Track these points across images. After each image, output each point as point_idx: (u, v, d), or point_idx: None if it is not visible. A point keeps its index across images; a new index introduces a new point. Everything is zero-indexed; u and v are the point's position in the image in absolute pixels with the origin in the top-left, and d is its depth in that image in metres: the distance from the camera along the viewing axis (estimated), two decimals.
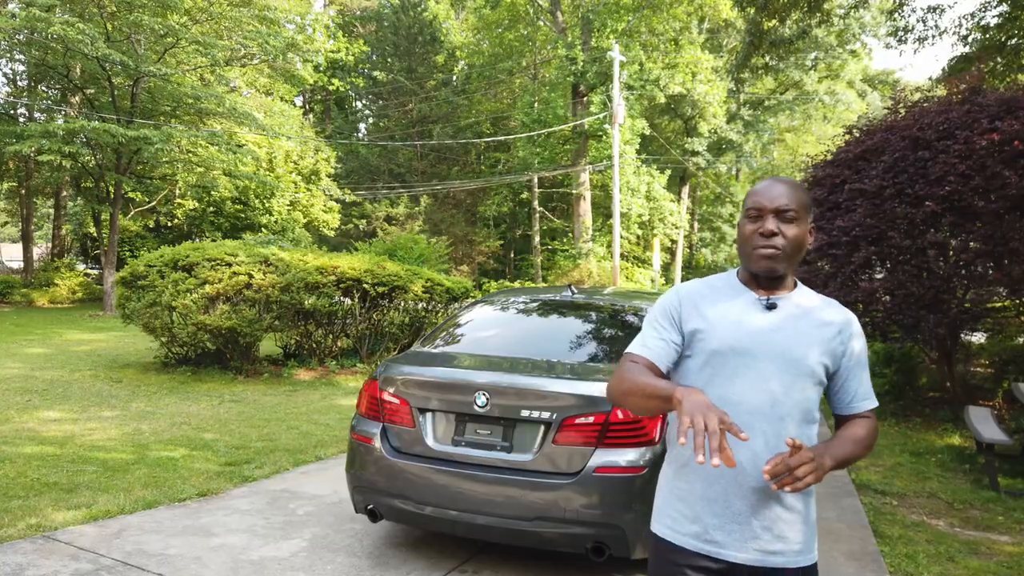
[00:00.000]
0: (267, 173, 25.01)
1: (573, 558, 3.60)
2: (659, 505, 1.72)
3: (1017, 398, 5.87)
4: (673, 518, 1.65)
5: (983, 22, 11.83)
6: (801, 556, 1.59)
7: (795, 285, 1.68)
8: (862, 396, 1.68)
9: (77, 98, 22.50)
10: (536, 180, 29.83)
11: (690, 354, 1.65)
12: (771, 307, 1.61)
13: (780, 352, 1.57)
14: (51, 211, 32.90)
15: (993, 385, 8.21)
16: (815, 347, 1.59)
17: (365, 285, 9.56)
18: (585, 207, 28.22)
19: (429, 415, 3.40)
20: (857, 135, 7.86)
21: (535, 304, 4.38)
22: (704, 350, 1.62)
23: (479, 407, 3.25)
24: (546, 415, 3.15)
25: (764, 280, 1.63)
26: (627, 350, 1.70)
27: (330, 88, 36.03)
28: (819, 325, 1.62)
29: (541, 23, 30.12)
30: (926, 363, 9.02)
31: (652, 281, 26.94)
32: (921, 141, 6.63)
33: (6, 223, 51.83)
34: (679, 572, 1.60)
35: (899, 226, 6.56)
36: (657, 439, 3.09)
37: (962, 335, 7.66)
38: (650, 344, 1.66)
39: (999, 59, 11.18)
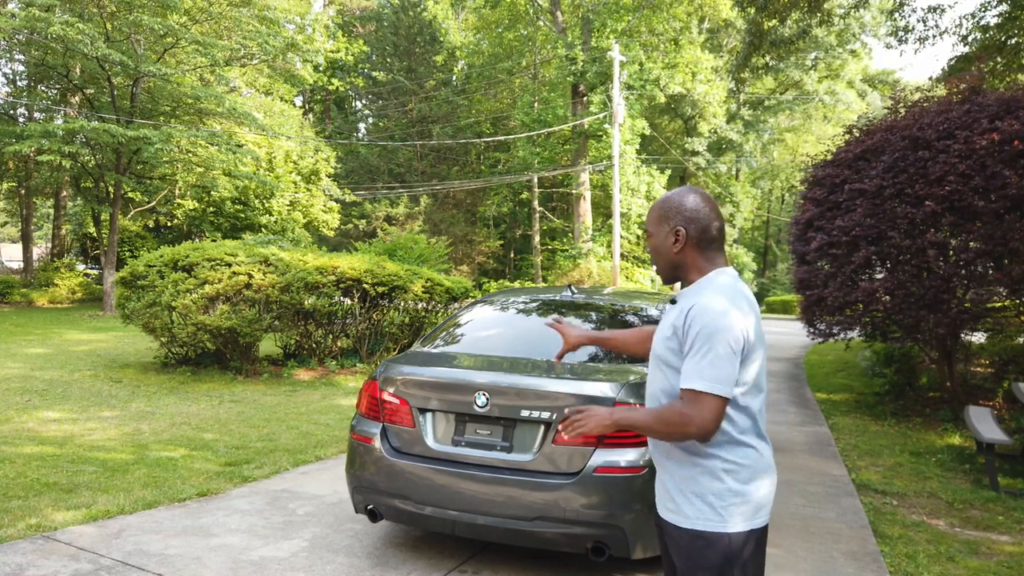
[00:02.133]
0: (267, 173, 25.00)
1: (573, 558, 3.60)
2: None
3: (1017, 398, 5.87)
4: None
5: (983, 22, 11.83)
6: (687, 519, 1.77)
7: (700, 277, 1.86)
8: (682, 376, 1.76)
9: (77, 98, 22.51)
10: (536, 180, 29.83)
11: None
12: (673, 302, 1.90)
13: (653, 345, 1.92)
14: (51, 211, 32.92)
15: (993, 385, 8.21)
16: (661, 336, 1.86)
17: (365, 285, 9.56)
18: (585, 207, 28.22)
19: (429, 415, 3.40)
20: (857, 135, 7.86)
21: (535, 304, 4.38)
22: None
23: (479, 407, 3.25)
24: (546, 415, 3.15)
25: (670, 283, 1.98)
26: None
27: (330, 88, 36.05)
28: (670, 317, 1.85)
29: (541, 23, 30.12)
30: (926, 363, 9.03)
31: (652, 281, 26.94)
32: (921, 141, 6.63)
33: (6, 223, 51.85)
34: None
35: (899, 226, 6.56)
36: None
37: (962, 335, 7.65)
38: None
39: (999, 59, 11.18)
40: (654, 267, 1.98)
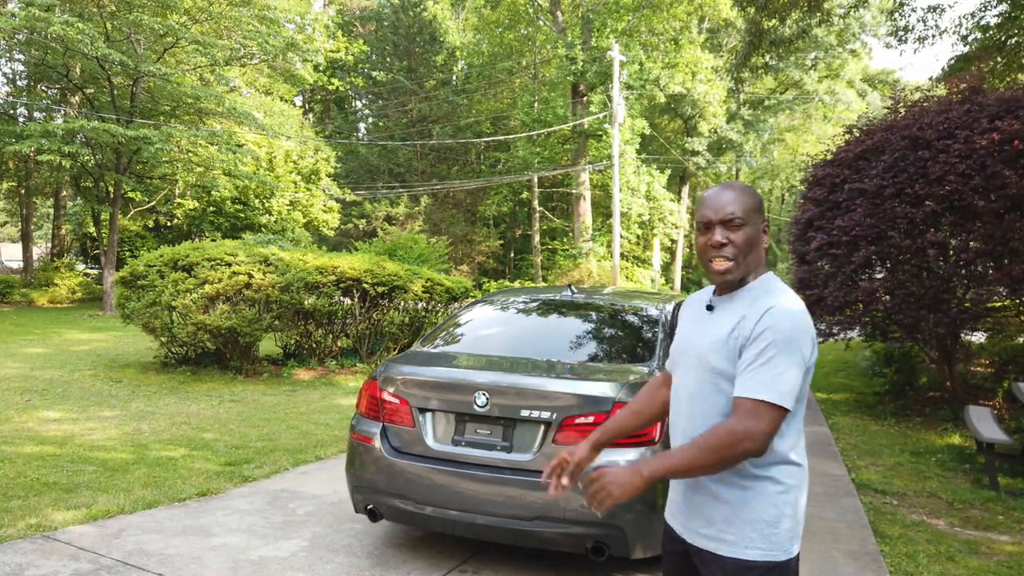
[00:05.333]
0: (267, 173, 25.00)
1: (573, 558, 3.60)
2: None
3: (1017, 397, 5.87)
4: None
5: (983, 22, 11.82)
6: (733, 548, 1.60)
7: (756, 279, 1.68)
8: (739, 384, 1.57)
9: (77, 98, 22.50)
10: (536, 180, 29.82)
11: None
12: (710, 308, 1.74)
13: (695, 351, 1.70)
14: (51, 211, 32.91)
15: (993, 385, 8.20)
16: (717, 344, 1.64)
17: (365, 285, 9.56)
18: (585, 207, 28.22)
19: (429, 415, 3.40)
20: (857, 135, 7.86)
21: (535, 304, 4.38)
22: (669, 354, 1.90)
23: (479, 407, 3.25)
24: (546, 415, 3.15)
25: (719, 286, 1.74)
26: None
27: (330, 88, 36.02)
28: (729, 323, 1.64)
29: (541, 23, 30.12)
30: (926, 363, 9.02)
31: (652, 281, 26.95)
32: (921, 141, 6.62)
33: (6, 223, 51.83)
34: (665, 538, 1.84)
35: (899, 226, 6.56)
36: (657, 439, 3.09)
37: (962, 335, 7.65)
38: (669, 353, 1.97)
39: (999, 58, 11.18)
40: (729, 263, 1.63)
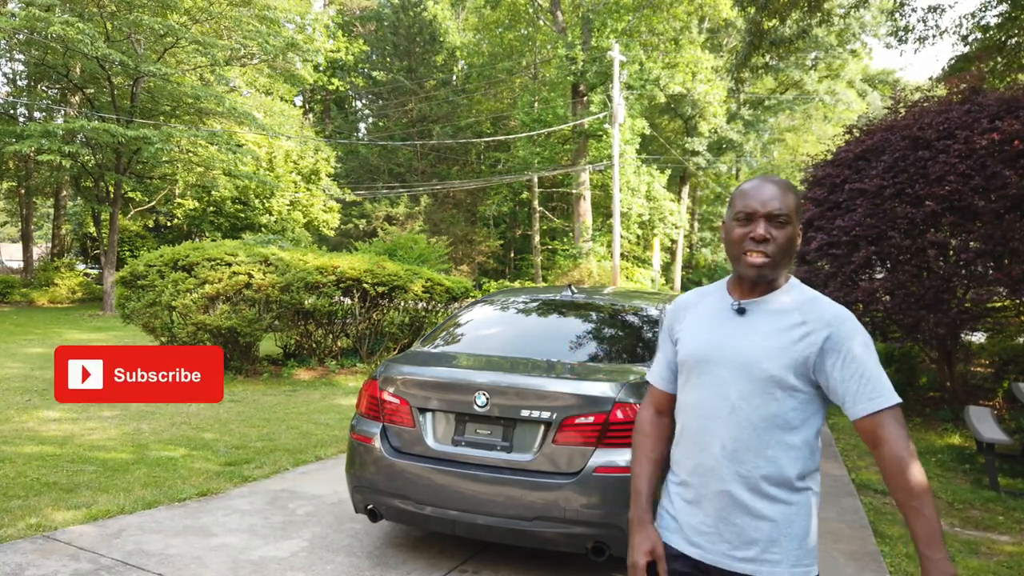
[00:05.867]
0: (267, 173, 25.01)
1: (573, 558, 3.60)
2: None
3: (1017, 398, 5.87)
4: (663, 517, 1.70)
5: (983, 22, 11.82)
6: (776, 567, 1.51)
7: (787, 281, 1.62)
8: (866, 396, 1.50)
9: (77, 98, 22.50)
10: (536, 180, 29.83)
11: (677, 364, 1.72)
12: (740, 312, 1.60)
13: (736, 358, 1.56)
14: (51, 211, 32.90)
15: (993, 385, 8.21)
16: (774, 351, 1.53)
17: (365, 285, 9.56)
18: (585, 207, 28.22)
19: (429, 415, 3.40)
20: (857, 135, 7.86)
21: (535, 304, 4.38)
22: (680, 359, 1.69)
23: (479, 407, 3.25)
24: (546, 415, 3.15)
25: (749, 283, 1.61)
26: (647, 373, 1.86)
27: (330, 88, 36.03)
28: (783, 328, 1.55)
29: (541, 23, 30.13)
30: (926, 363, 9.02)
31: (652, 281, 26.93)
32: (921, 141, 6.62)
33: (6, 223, 51.83)
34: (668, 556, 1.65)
35: (899, 226, 6.56)
36: None
37: (962, 335, 7.65)
38: (655, 368, 1.81)
39: (999, 59, 11.17)
40: (767, 259, 1.54)
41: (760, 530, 1.51)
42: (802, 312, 1.56)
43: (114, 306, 17.04)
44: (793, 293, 1.60)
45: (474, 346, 3.92)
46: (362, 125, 41.44)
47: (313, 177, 27.26)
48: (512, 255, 35.61)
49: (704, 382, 1.60)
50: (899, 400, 1.52)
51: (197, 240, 17.26)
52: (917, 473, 1.46)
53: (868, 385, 1.51)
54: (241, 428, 6.52)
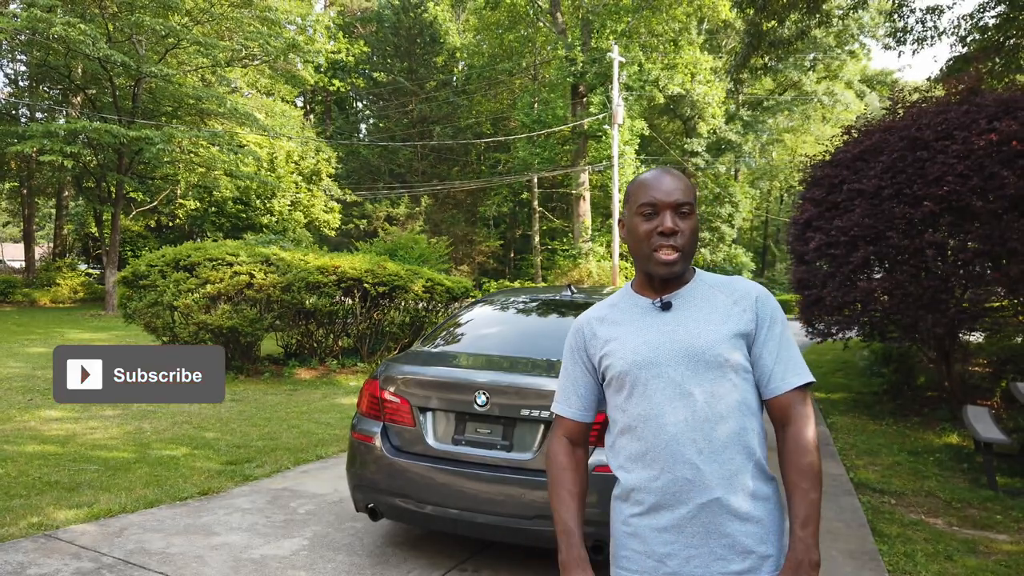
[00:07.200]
0: (268, 173, 25.05)
1: None
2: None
3: (1015, 397, 5.89)
4: (631, 559, 1.60)
5: (981, 23, 11.83)
6: (771, 567, 1.44)
7: (694, 274, 1.57)
8: (790, 372, 1.47)
9: (78, 98, 22.55)
10: (536, 180, 29.86)
11: (606, 382, 1.57)
12: (666, 307, 1.51)
13: (682, 352, 1.46)
14: (53, 211, 32.96)
15: (991, 384, 8.22)
16: (720, 333, 1.46)
17: (366, 285, 9.58)
18: (585, 207, 28.26)
19: (429, 414, 3.42)
20: (855, 135, 7.87)
21: (535, 304, 4.40)
22: (613, 374, 1.53)
23: (479, 406, 3.27)
24: (546, 414, 3.17)
25: (660, 281, 1.52)
26: (553, 405, 1.67)
27: (331, 89, 36.06)
28: (717, 309, 1.50)
29: (541, 24, 30.14)
30: (924, 363, 9.03)
31: None
32: (919, 141, 6.64)
33: (8, 223, 51.86)
34: None
35: (897, 226, 6.57)
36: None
37: (960, 335, 7.67)
38: (561, 397, 1.64)
39: (997, 59, 11.19)
40: (677, 253, 1.48)
41: (751, 534, 1.42)
42: (726, 292, 1.53)
43: (116, 306, 17.10)
44: (707, 279, 1.56)
45: (474, 346, 3.94)
46: (363, 126, 41.50)
47: (314, 178, 27.31)
48: (512, 255, 35.64)
49: (654, 388, 1.46)
50: (813, 378, 1.50)
51: (199, 240, 17.32)
52: (817, 456, 1.44)
53: (791, 362, 1.48)
54: (242, 427, 6.55)
